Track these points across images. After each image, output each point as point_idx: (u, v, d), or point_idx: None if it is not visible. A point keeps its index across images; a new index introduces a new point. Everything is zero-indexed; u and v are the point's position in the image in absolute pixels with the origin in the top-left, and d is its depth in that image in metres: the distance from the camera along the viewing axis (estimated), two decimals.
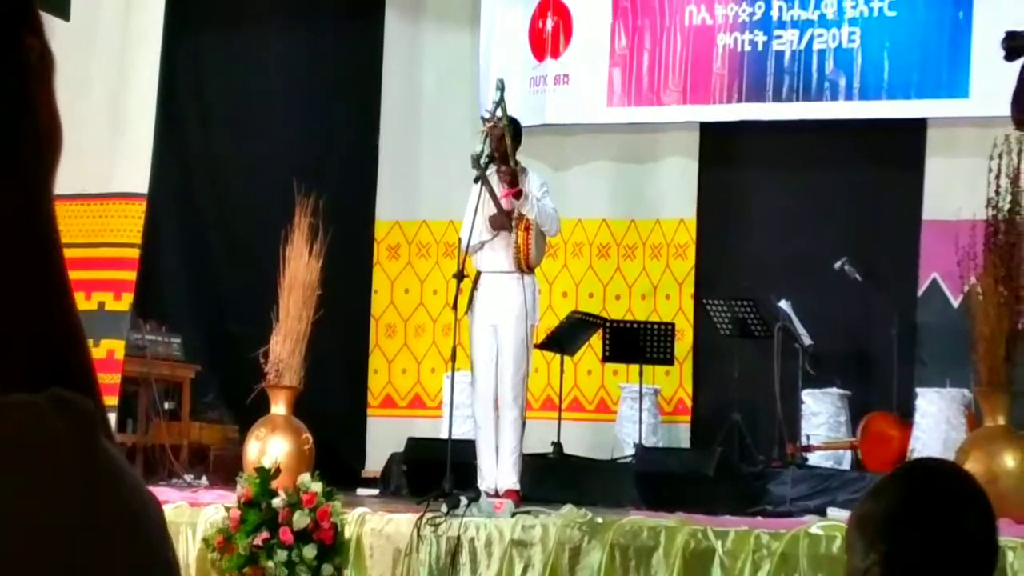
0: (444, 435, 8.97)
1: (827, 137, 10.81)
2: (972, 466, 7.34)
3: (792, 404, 9.90)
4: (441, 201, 11.29)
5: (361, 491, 9.79)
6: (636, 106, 11.25)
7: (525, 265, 8.55)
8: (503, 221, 8.51)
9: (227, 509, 7.83)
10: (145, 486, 0.92)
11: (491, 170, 8.53)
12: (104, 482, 0.88)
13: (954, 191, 9.87)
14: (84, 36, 9.50)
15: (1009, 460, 7.40)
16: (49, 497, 0.85)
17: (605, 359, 10.59)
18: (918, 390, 9.68)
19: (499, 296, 8.50)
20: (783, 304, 9.99)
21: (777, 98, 10.80)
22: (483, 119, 8.66)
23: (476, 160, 8.46)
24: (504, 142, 8.50)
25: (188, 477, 9.63)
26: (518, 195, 8.46)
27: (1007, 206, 7.87)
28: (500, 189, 8.52)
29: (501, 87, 8.70)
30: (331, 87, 11.77)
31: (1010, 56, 7.78)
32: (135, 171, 9.51)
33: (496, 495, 8.17)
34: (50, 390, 0.89)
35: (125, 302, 9.44)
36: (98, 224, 9.48)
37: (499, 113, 8.56)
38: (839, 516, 7.54)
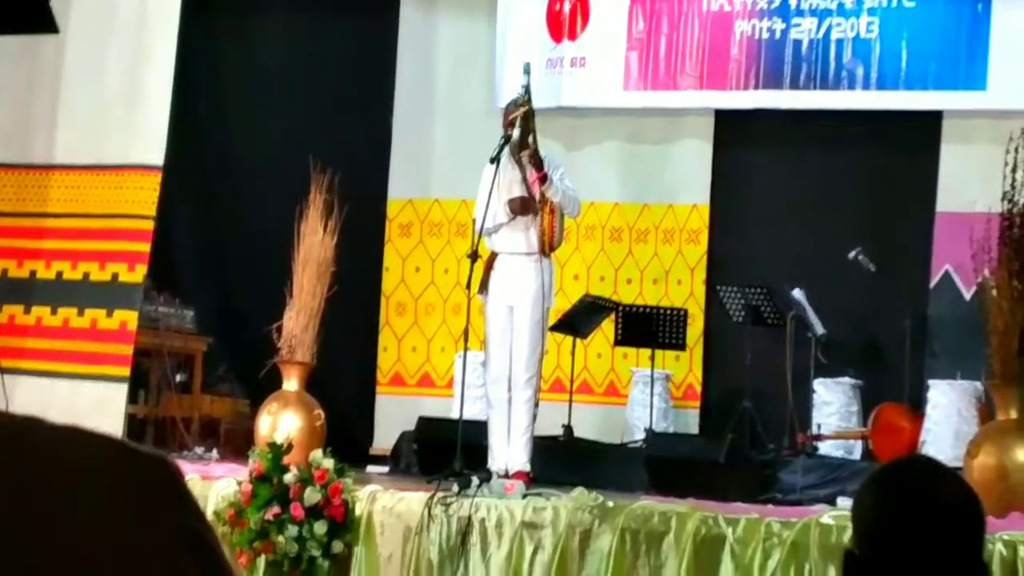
0: (454, 415, 8.97)
1: (843, 126, 10.77)
2: (984, 459, 7.38)
3: (803, 393, 9.88)
4: (453, 180, 11.28)
5: (371, 468, 9.79)
6: (652, 90, 11.22)
7: (548, 248, 8.51)
8: (525, 205, 8.47)
9: (239, 483, 7.86)
10: None
11: (506, 153, 8.49)
12: None
13: (969, 183, 9.86)
14: (104, 11, 9.51)
15: (1021, 454, 7.39)
16: None
17: (617, 343, 10.58)
18: (930, 382, 9.68)
19: (516, 277, 8.45)
20: (796, 292, 9.98)
21: (794, 86, 10.77)
22: (516, 103, 8.55)
23: (515, 146, 8.40)
24: (530, 125, 8.46)
25: (199, 450, 9.65)
26: (543, 179, 8.42)
27: (1023, 200, 7.86)
28: (530, 174, 8.47)
29: (528, 71, 8.63)
30: (346, 66, 11.73)
31: None
32: (151, 144, 9.52)
33: (507, 476, 8.17)
34: None
35: (139, 273, 9.46)
36: (114, 195, 9.49)
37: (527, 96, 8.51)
38: (850, 506, 7.54)
